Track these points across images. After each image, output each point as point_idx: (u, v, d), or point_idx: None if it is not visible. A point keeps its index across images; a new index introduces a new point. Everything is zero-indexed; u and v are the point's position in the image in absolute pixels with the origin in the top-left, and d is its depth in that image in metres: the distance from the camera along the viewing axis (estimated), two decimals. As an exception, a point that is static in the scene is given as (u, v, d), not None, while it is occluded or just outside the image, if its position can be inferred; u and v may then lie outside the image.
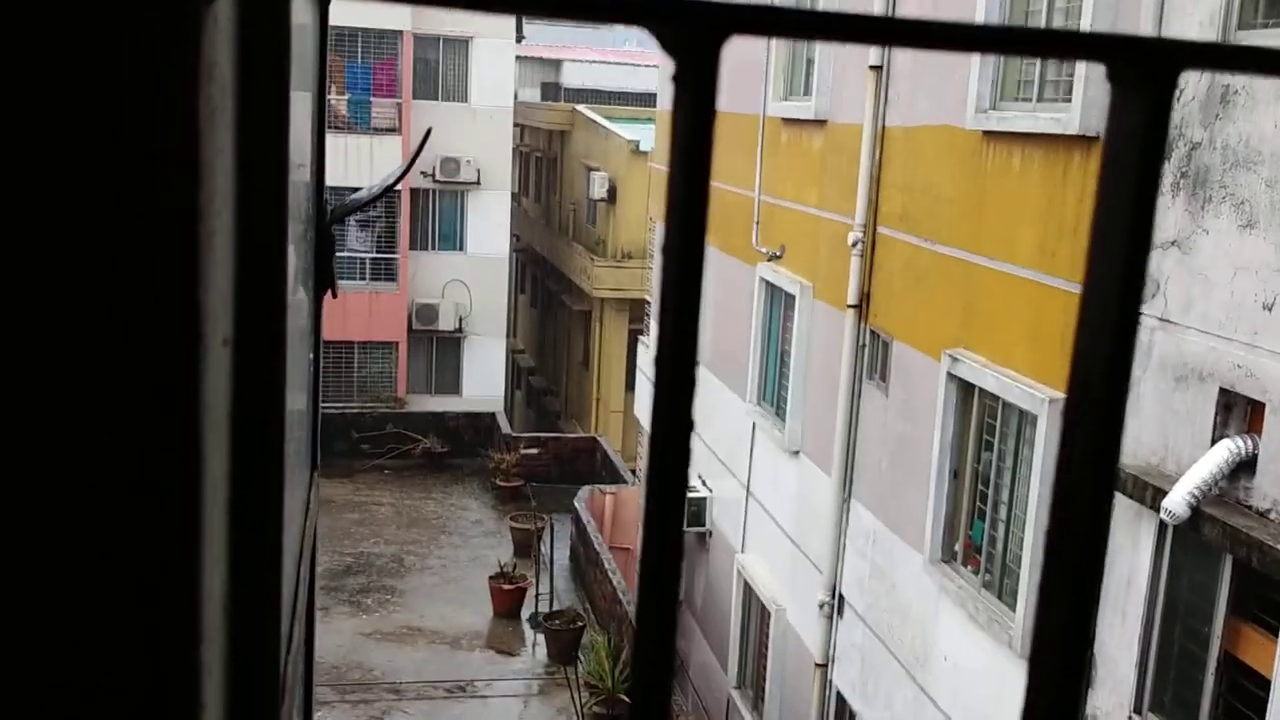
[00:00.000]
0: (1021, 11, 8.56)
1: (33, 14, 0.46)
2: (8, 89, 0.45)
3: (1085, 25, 7.49)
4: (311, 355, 1.74)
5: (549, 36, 43.84)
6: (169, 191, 0.44)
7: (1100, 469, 0.49)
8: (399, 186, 25.00)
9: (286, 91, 0.69)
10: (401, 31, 25.79)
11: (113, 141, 0.44)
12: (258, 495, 0.70)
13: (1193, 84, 6.74)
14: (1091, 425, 0.48)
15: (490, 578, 18.16)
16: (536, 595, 17.88)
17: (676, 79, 0.43)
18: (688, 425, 0.46)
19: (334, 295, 1.91)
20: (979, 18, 8.74)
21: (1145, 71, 0.46)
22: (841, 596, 11.28)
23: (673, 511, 0.48)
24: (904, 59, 10.24)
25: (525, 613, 17.96)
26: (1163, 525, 6.66)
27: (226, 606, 0.70)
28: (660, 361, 0.44)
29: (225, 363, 0.56)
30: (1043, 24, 8.27)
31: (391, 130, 25.68)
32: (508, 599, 17.91)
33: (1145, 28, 7.02)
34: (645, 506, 0.48)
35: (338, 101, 25.11)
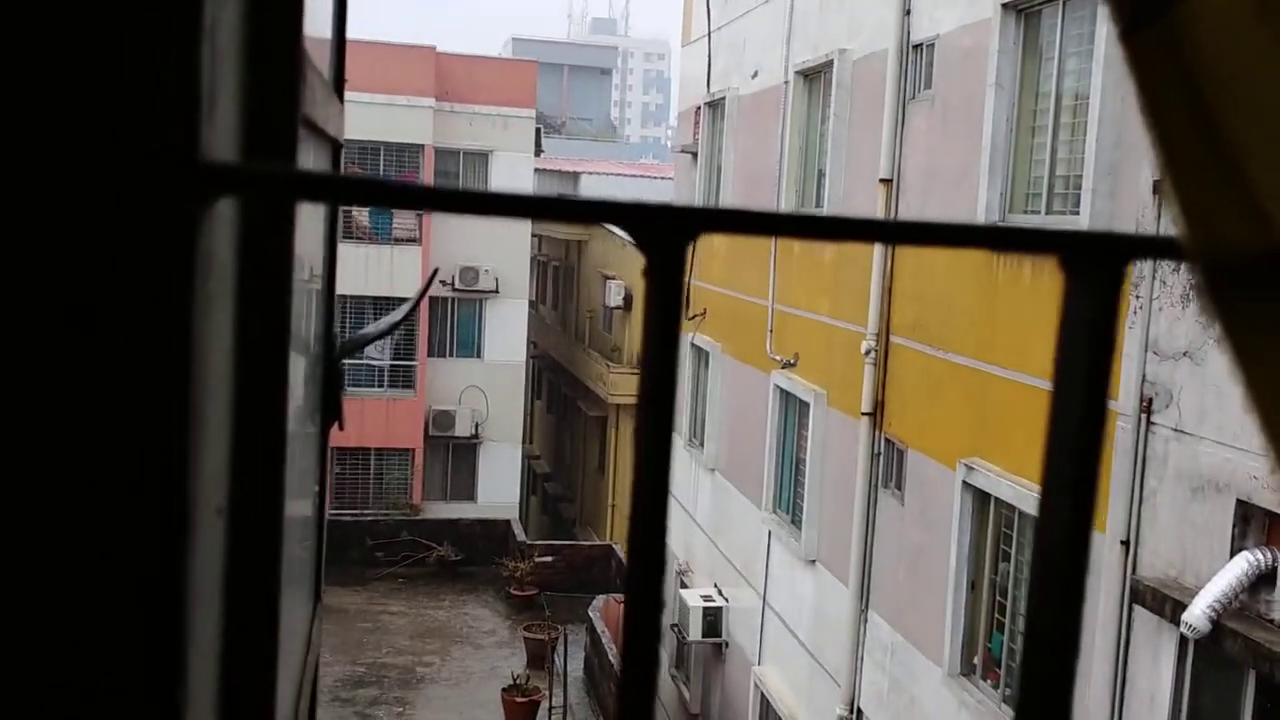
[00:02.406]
0: (1029, 127, 8.72)
1: (32, 211, 0.49)
2: (15, 284, 0.47)
3: (1090, 140, 7.61)
4: (317, 488, 1.76)
5: (567, 150, 44.71)
6: (158, 388, 0.47)
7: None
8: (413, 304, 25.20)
9: (289, 279, 0.72)
10: (423, 145, 26.34)
11: (100, 333, 0.47)
12: (251, 663, 0.72)
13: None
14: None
15: (503, 690, 17.86)
16: (550, 708, 17.55)
17: (646, 274, 0.46)
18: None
19: (340, 428, 1.93)
20: (985, 139, 8.89)
21: (1095, 262, 0.48)
22: (860, 710, 11.05)
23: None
24: (914, 171, 10.40)
25: (538, 727, 17.63)
26: (1183, 640, 6.54)
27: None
28: (631, 562, 0.46)
29: (219, 534, 0.57)
30: (1048, 142, 8.41)
31: (411, 241, 26.05)
32: (521, 712, 17.58)
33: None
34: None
35: (359, 213, 25.53)
